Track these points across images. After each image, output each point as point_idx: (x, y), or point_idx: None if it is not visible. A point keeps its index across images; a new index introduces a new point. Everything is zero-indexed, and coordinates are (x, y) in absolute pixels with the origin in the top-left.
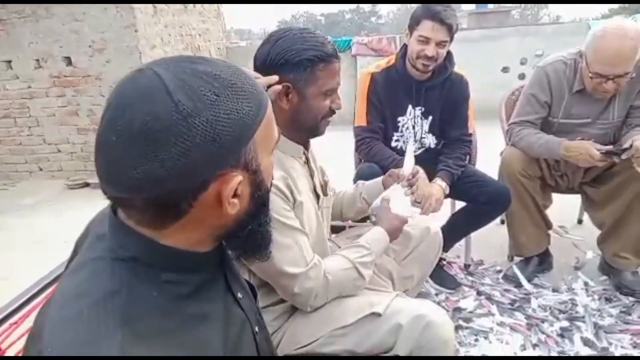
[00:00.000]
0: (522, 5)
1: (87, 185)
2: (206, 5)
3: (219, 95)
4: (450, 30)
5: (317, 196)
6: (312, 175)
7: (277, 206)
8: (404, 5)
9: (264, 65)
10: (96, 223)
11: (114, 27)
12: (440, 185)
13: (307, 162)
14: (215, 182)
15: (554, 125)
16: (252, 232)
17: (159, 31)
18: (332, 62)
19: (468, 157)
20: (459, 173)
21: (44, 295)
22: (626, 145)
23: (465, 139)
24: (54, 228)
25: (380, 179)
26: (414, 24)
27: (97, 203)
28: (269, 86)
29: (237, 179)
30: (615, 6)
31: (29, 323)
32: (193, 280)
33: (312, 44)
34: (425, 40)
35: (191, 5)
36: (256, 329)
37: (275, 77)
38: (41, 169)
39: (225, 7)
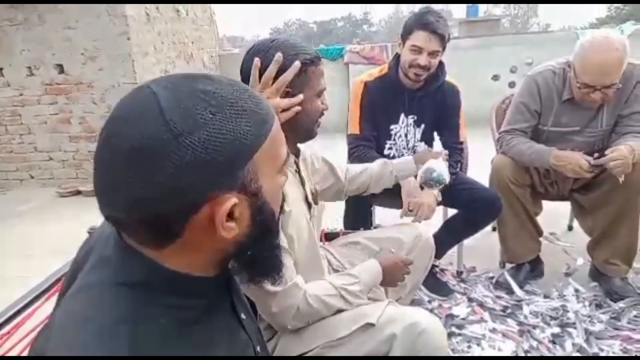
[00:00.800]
0: (512, 13)
1: (78, 193)
2: (199, 13)
3: (214, 114)
4: (443, 40)
5: (309, 205)
6: (303, 184)
7: None
8: (396, 13)
9: (260, 76)
10: (100, 242)
11: (107, 35)
12: (432, 193)
13: (298, 170)
14: (207, 204)
15: (544, 133)
16: (256, 257)
17: (151, 39)
18: (319, 64)
19: (460, 164)
20: (451, 181)
21: (35, 305)
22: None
23: (457, 147)
24: (45, 236)
25: (409, 157)
26: (406, 33)
27: (88, 211)
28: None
29: (230, 202)
30: (603, 15)
31: (22, 332)
32: (199, 305)
33: (299, 49)
34: (418, 50)
35: (184, 12)
36: (258, 349)
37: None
38: (32, 177)
39: (218, 15)
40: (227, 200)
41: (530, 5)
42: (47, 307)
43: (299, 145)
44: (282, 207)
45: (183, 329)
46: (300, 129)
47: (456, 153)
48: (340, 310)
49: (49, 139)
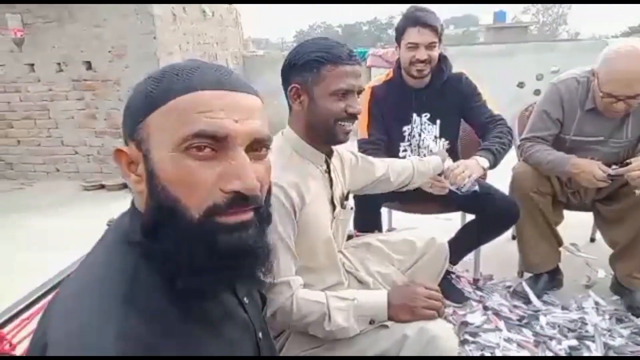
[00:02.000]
0: (540, 21)
1: (102, 187)
2: (225, 14)
3: (150, 76)
4: (436, 31)
5: (334, 207)
6: (331, 185)
7: (278, 218)
8: None
9: (282, 70)
10: (117, 219)
11: (134, 34)
12: (476, 159)
13: (328, 171)
14: (131, 143)
15: (566, 142)
16: (163, 237)
17: (177, 39)
18: (341, 64)
19: (509, 134)
20: (499, 149)
21: (54, 293)
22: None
23: (496, 118)
24: (69, 228)
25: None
26: (399, 35)
27: (111, 205)
28: None
29: (125, 148)
30: (636, 24)
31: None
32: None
33: (320, 47)
34: (414, 46)
35: (210, 13)
36: (260, 335)
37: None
38: (58, 170)
39: (243, 17)
40: (129, 145)
41: (560, 13)
42: None
43: (334, 147)
44: (302, 201)
45: (177, 291)
46: (316, 127)
47: (499, 123)
48: (323, 328)
49: (75, 133)
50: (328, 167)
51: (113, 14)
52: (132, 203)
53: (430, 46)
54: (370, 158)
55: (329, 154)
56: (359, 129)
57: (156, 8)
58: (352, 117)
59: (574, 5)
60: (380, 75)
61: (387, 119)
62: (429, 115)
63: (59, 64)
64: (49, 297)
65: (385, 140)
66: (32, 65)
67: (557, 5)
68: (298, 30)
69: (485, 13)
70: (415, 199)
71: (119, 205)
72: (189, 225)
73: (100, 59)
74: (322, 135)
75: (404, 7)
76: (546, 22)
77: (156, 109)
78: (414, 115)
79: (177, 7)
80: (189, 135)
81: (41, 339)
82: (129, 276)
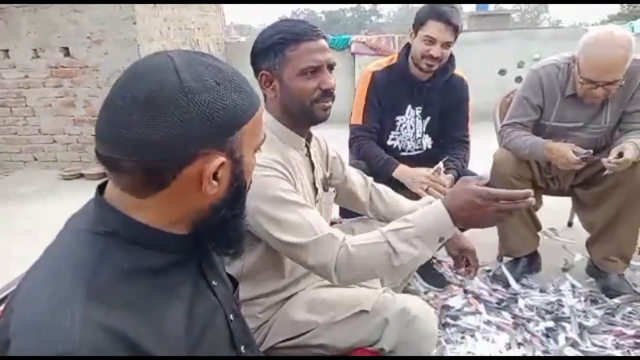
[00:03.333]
0: (522, 8)
1: (81, 176)
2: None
3: (219, 83)
4: (456, 31)
5: (316, 190)
6: (312, 168)
7: (278, 186)
8: (405, 5)
9: (250, 61)
10: (80, 210)
11: (113, 19)
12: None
13: (308, 155)
14: (200, 159)
15: (547, 128)
16: (224, 221)
17: (157, 24)
18: (303, 41)
19: (464, 158)
20: (460, 167)
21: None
22: (611, 157)
23: (466, 140)
24: (47, 218)
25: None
26: (419, 23)
27: (91, 194)
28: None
29: (219, 160)
30: (615, 12)
31: None
32: (164, 259)
33: (280, 29)
34: (431, 41)
35: (195, 3)
36: (231, 316)
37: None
38: (36, 159)
39: (224, 2)
40: (217, 158)
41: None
42: None
43: (312, 131)
44: (294, 182)
45: (144, 276)
46: (293, 110)
47: (463, 146)
48: (392, 266)
49: (53, 121)
50: (308, 150)
51: None
52: (98, 193)
53: (446, 44)
54: (357, 173)
55: (309, 138)
56: (354, 113)
57: None
58: (328, 93)
59: None
60: (381, 60)
61: (382, 105)
62: (421, 109)
63: (35, 50)
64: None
65: (378, 129)
66: (7, 51)
67: None
68: (281, 16)
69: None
70: (400, 186)
71: None
72: (244, 202)
73: (78, 44)
74: (300, 117)
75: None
76: (528, 10)
77: (251, 119)
78: (409, 106)
79: None
80: (263, 139)
81: (3, 334)
82: (94, 265)
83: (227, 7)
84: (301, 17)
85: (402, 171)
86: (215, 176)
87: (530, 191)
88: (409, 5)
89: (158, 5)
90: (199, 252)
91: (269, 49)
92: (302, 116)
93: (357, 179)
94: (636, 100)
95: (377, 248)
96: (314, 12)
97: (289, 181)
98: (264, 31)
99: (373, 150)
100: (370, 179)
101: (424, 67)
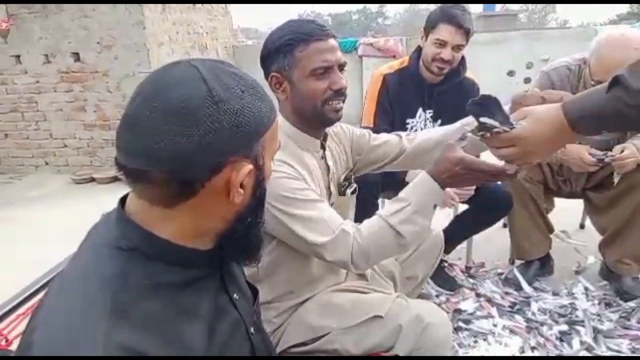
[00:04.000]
0: (530, 9)
1: (92, 180)
2: (214, 4)
3: (244, 91)
4: (468, 34)
5: (330, 194)
6: (328, 172)
7: (289, 186)
8: (411, 6)
9: (260, 63)
10: (100, 223)
11: (123, 24)
12: None
13: (324, 157)
14: (229, 167)
15: None
16: (249, 228)
17: (166, 29)
18: (312, 41)
19: None
20: None
21: (51, 283)
22: (612, 153)
23: None
24: (59, 222)
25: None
26: (430, 26)
27: (102, 198)
28: None
29: (247, 168)
30: (624, 12)
31: None
32: (185, 275)
33: (288, 30)
34: (442, 44)
35: (199, 3)
36: (252, 330)
37: None
38: (47, 163)
39: (232, 6)
40: (245, 166)
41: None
42: None
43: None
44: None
45: (165, 292)
46: (304, 112)
47: None
48: (400, 245)
49: (64, 126)
50: (324, 152)
51: (101, 4)
52: (120, 208)
53: (457, 47)
54: (391, 135)
55: (324, 138)
56: (365, 116)
57: None
58: (339, 93)
59: None
60: (392, 63)
61: (393, 108)
62: (432, 112)
63: (46, 55)
64: (44, 292)
65: (389, 132)
66: (19, 57)
67: None
68: (288, 19)
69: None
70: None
71: (110, 198)
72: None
73: (88, 50)
74: (312, 119)
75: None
76: (535, 10)
77: (271, 125)
78: (420, 109)
79: None
80: (279, 145)
81: (28, 338)
82: (116, 283)
83: (234, 11)
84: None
85: (410, 176)
86: (241, 184)
87: (516, 168)
88: (415, 7)
89: (167, 10)
90: (222, 266)
91: (278, 50)
92: (314, 118)
93: (391, 138)
94: None
95: (383, 235)
96: (320, 15)
97: (299, 179)
98: (272, 33)
99: None
100: (403, 134)
101: (434, 70)
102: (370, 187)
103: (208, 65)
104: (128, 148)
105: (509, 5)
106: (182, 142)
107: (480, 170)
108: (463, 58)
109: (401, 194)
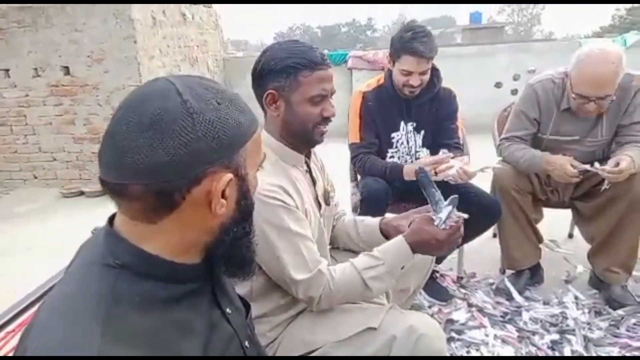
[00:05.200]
0: (515, 21)
1: (82, 194)
2: (205, 17)
3: (220, 103)
4: (431, 59)
5: (319, 205)
6: (314, 184)
7: (280, 215)
8: (399, 18)
9: (254, 75)
10: (91, 239)
11: (113, 38)
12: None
13: (309, 171)
14: (208, 178)
15: (543, 141)
16: (235, 240)
17: (157, 42)
18: (316, 69)
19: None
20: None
21: (40, 303)
22: (608, 167)
23: (458, 146)
24: (48, 236)
25: (376, 222)
26: (395, 56)
27: (92, 211)
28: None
29: (227, 177)
30: (606, 24)
31: None
32: (177, 290)
33: (295, 52)
34: (408, 73)
35: (190, 16)
36: (246, 343)
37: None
38: (36, 177)
39: (222, 19)
40: (224, 176)
41: (534, 13)
42: None
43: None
44: (296, 205)
45: (157, 309)
46: (293, 132)
47: (457, 150)
48: (364, 295)
49: (53, 139)
50: (308, 167)
51: (91, 18)
52: (109, 224)
53: (423, 72)
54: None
55: (308, 155)
56: (350, 132)
57: (135, 12)
58: (328, 120)
59: (547, 6)
60: (370, 80)
61: (377, 123)
62: (415, 124)
63: (35, 69)
64: (34, 308)
65: (377, 144)
66: (7, 70)
67: (531, 5)
68: (277, 32)
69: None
70: (402, 199)
71: (99, 211)
72: (252, 221)
73: (78, 63)
74: (299, 139)
75: (384, 7)
76: (521, 23)
77: (252, 136)
78: (402, 123)
79: (157, 11)
80: (264, 157)
81: (21, 354)
82: (107, 301)
83: (223, 23)
84: (297, 32)
85: (407, 173)
86: (223, 194)
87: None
88: (404, 19)
89: (157, 24)
90: (212, 280)
91: (282, 71)
92: (302, 138)
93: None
94: (630, 114)
95: (354, 285)
96: (310, 28)
97: (295, 211)
98: (274, 51)
99: (375, 163)
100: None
101: (406, 92)
102: (379, 200)
103: (185, 80)
104: (108, 163)
105: (495, 17)
106: (158, 155)
107: (447, 241)
108: (437, 70)
109: (377, 252)
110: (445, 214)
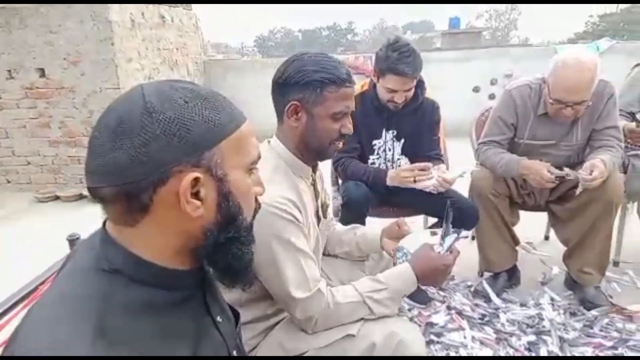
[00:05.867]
0: (493, 26)
1: (57, 198)
2: (184, 20)
3: (187, 102)
4: (416, 78)
5: (319, 218)
6: (316, 197)
7: (290, 230)
8: (379, 23)
9: (277, 83)
10: (85, 242)
11: (90, 40)
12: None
13: (313, 183)
14: (174, 178)
15: (520, 146)
16: (220, 246)
17: (136, 45)
18: (342, 86)
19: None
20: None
21: (12, 313)
22: (583, 174)
23: (440, 158)
24: (22, 241)
25: (378, 234)
26: (380, 73)
27: (67, 216)
28: None
29: (191, 175)
30: (580, 30)
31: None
32: (169, 297)
33: (323, 66)
34: (393, 91)
35: (169, 19)
36: (234, 352)
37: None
38: (9, 182)
39: (202, 21)
40: (190, 173)
41: (511, 19)
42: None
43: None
44: (303, 219)
45: (149, 314)
46: (310, 146)
47: (438, 161)
48: (363, 319)
49: (27, 143)
50: (314, 180)
51: (67, 20)
52: (104, 228)
53: (408, 89)
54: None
55: (314, 167)
56: None
57: (113, 13)
58: (344, 137)
59: (523, 12)
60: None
61: (359, 129)
62: (395, 132)
63: (9, 71)
64: (8, 315)
65: (359, 149)
66: None
67: (509, 10)
68: (258, 35)
69: (440, 19)
70: (383, 202)
71: (75, 216)
72: (246, 228)
73: (54, 66)
74: (314, 152)
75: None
76: (498, 28)
77: (229, 136)
78: (384, 130)
79: (135, 13)
80: (255, 159)
81: (9, 354)
82: (99, 306)
83: (203, 25)
84: (278, 35)
85: (391, 178)
86: (197, 196)
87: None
88: (383, 24)
89: (136, 26)
90: (204, 288)
91: (309, 84)
92: (316, 151)
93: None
94: (603, 118)
95: (355, 308)
96: (291, 31)
97: (302, 227)
98: (303, 62)
99: (357, 167)
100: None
101: (391, 107)
102: (360, 204)
103: (155, 84)
104: (86, 168)
105: (474, 22)
106: (119, 156)
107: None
108: (421, 81)
109: (381, 277)
110: (450, 242)
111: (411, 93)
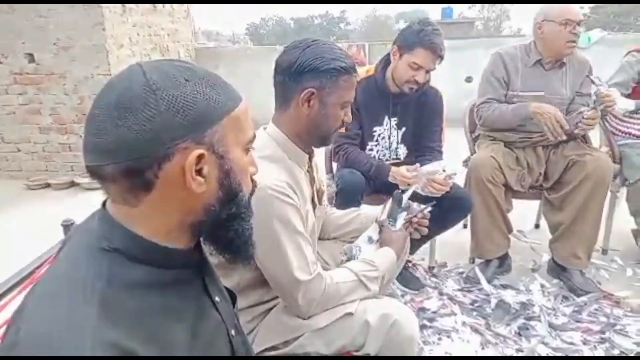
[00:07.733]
0: (485, 16)
1: (48, 186)
2: (176, 6)
3: (188, 80)
4: (442, 59)
5: (314, 205)
6: (312, 183)
7: (290, 213)
8: (372, 12)
9: (290, 69)
10: (82, 224)
11: (81, 25)
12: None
13: (309, 170)
14: (179, 155)
15: (512, 99)
16: (220, 222)
17: (127, 30)
18: (354, 75)
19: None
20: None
21: (6, 299)
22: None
23: (440, 151)
24: (13, 229)
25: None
26: (407, 47)
27: (59, 204)
28: None
29: (196, 152)
30: None
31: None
32: (169, 276)
33: (338, 55)
34: (418, 67)
35: (160, 5)
36: (232, 332)
37: None
38: None
39: (193, 8)
40: (195, 150)
41: (503, 9)
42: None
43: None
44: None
45: (150, 293)
46: (317, 133)
47: (437, 154)
48: (364, 295)
49: (17, 129)
50: (310, 166)
51: (58, 4)
52: (103, 207)
53: (430, 70)
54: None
55: (311, 154)
56: None
57: None
58: (344, 124)
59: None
60: (359, 70)
61: (361, 115)
62: (397, 120)
63: None
64: (5, 299)
65: (360, 135)
66: None
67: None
68: (250, 23)
69: (432, 9)
70: (377, 190)
71: (67, 203)
72: (245, 204)
73: (44, 51)
74: (319, 139)
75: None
76: (490, 18)
77: (229, 113)
78: (386, 117)
79: None
80: (252, 138)
81: (12, 338)
82: (101, 284)
83: (194, 13)
84: (270, 24)
85: (395, 174)
86: (200, 172)
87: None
88: (376, 12)
89: (127, 11)
90: (203, 267)
91: (327, 72)
92: (319, 138)
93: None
94: (585, 86)
95: (353, 287)
96: (283, 19)
97: (300, 210)
98: (317, 49)
99: (360, 156)
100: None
101: (406, 90)
102: (355, 191)
103: (154, 62)
104: (85, 147)
105: (466, 12)
106: (124, 133)
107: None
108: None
109: (368, 259)
110: (402, 220)
111: (429, 77)
